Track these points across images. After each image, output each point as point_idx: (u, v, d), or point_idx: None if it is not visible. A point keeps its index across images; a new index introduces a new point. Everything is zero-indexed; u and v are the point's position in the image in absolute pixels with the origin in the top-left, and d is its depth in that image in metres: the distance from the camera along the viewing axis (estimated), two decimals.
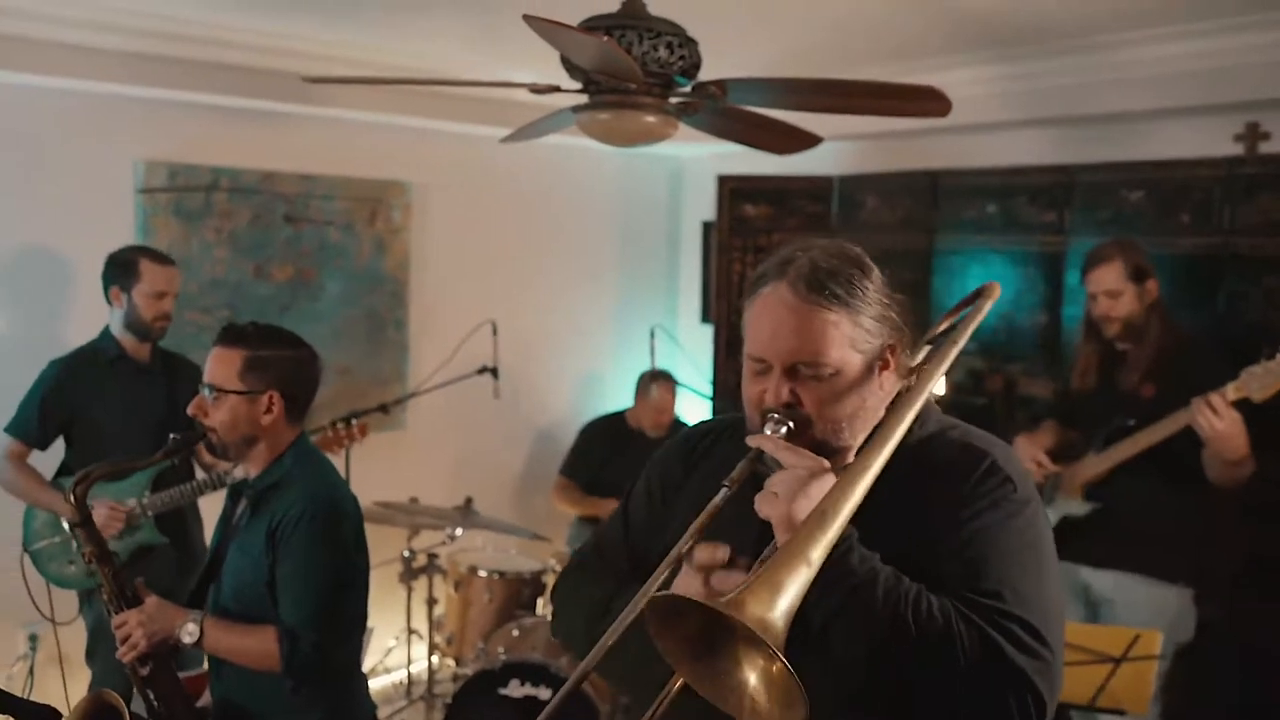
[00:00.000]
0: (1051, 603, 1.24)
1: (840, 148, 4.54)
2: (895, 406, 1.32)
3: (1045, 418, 3.40)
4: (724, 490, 1.27)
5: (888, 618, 1.17)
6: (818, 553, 1.12)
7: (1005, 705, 1.16)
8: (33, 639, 3.60)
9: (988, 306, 1.53)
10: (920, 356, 1.51)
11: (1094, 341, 3.16)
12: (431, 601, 3.99)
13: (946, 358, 1.42)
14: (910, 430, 1.32)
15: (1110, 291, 3.04)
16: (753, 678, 1.08)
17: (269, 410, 2.11)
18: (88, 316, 3.52)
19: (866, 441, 1.30)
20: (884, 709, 1.21)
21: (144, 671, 2.11)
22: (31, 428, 3.06)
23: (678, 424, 4.60)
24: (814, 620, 1.19)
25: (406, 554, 3.95)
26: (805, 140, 2.86)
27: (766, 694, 1.07)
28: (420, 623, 4.15)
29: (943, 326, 1.57)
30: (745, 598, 1.05)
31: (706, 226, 5.33)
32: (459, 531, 3.78)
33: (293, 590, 2.07)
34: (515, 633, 3.59)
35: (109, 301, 3.14)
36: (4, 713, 1.76)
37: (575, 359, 5.19)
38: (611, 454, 4.40)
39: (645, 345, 4.65)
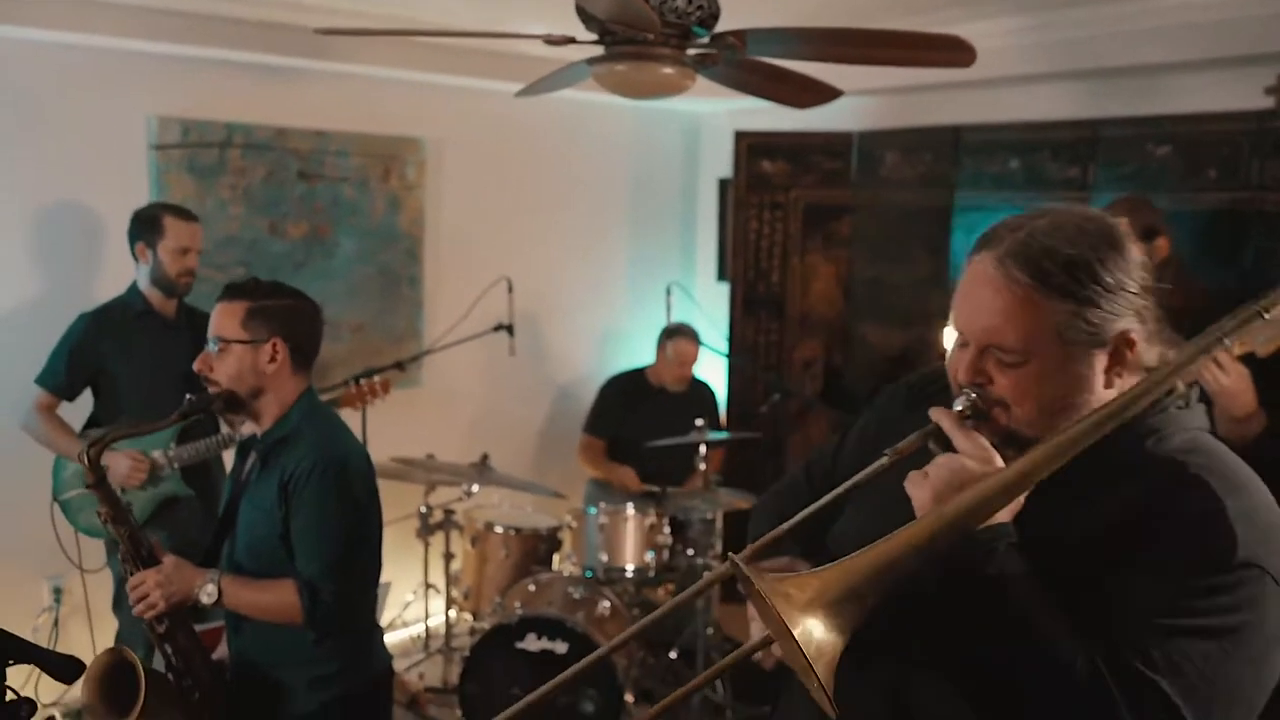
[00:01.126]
0: (1223, 689, 1.05)
1: (860, 103, 4.47)
2: (1104, 410, 1.12)
3: None
4: (882, 460, 1.18)
5: (1006, 638, 1.08)
6: (918, 562, 1.04)
7: None
8: (57, 591, 3.66)
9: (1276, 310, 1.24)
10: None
11: None
12: (448, 557, 4.02)
13: (1191, 361, 1.16)
14: (1143, 441, 1.16)
15: None
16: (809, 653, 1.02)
17: (273, 359, 2.11)
18: (107, 272, 3.54)
19: (1041, 443, 1.13)
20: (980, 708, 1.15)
21: (161, 629, 2.13)
22: (60, 379, 3.11)
23: (697, 380, 4.59)
24: (928, 592, 1.12)
25: (423, 510, 3.98)
26: (825, 93, 2.81)
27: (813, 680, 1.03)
28: (437, 577, 4.18)
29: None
30: (802, 588, 0.99)
31: (723, 183, 5.28)
32: (475, 488, 3.80)
33: (308, 544, 2.08)
34: (531, 588, 3.62)
35: (135, 257, 3.18)
36: (28, 663, 1.78)
37: (591, 316, 5.18)
38: (632, 410, 4.39)
39: (661, 303, 4.63)
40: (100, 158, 3.62)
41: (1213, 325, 1.19)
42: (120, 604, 3.23)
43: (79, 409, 3.20)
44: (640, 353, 5.15)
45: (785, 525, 1.18)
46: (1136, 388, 1.14)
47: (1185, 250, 3.21)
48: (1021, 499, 1.13)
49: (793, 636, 0.97)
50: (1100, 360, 1.16)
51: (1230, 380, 2.54)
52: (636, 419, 4.30)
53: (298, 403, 2.16)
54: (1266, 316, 1.17)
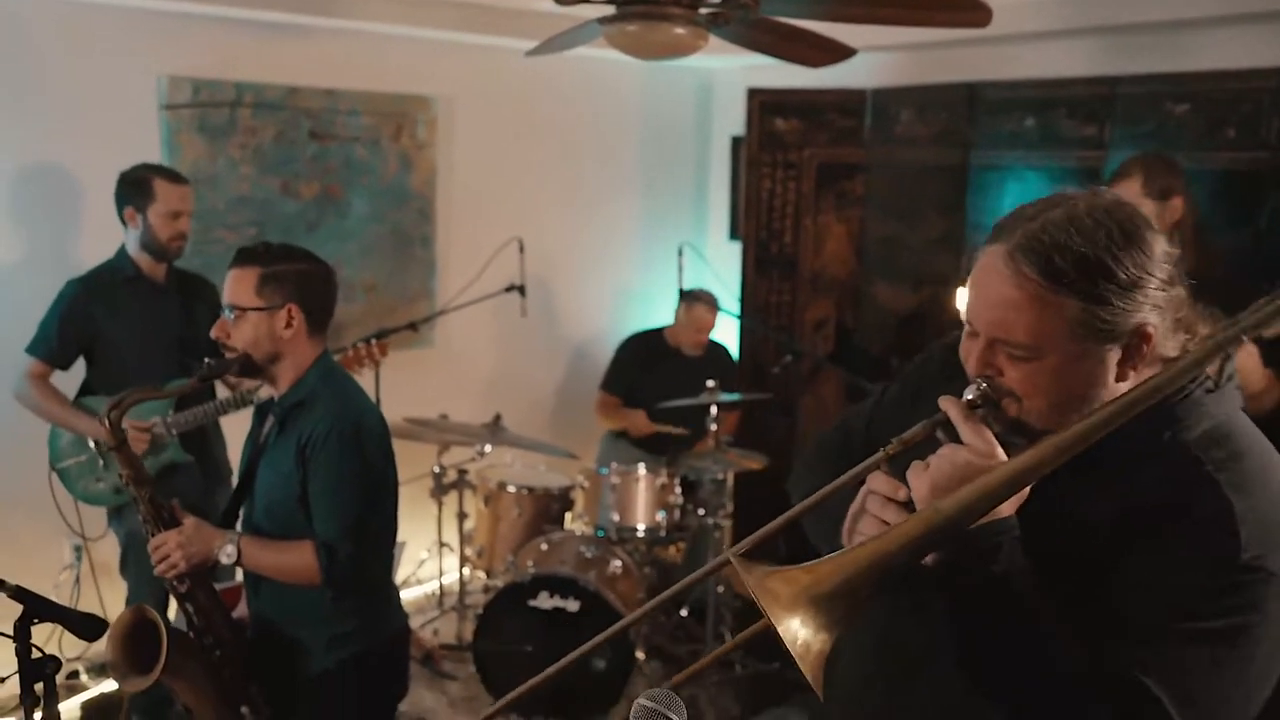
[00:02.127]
0: (1221, 699, 1.05)
1: (874, 59, 4.42)
2: (1111, 404, 1.09)
3: None
4: (883, 450, 1.17)
5: (1002, 625, 1.08)
6: (909, 558, 1.03)
7: None
8: (77, 549, 3.70)
9: None
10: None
11: None
12: (462, 516, 4.06)
13: (1203, 358, 1.10)
14: (1160, 432, 1.13)
15: None
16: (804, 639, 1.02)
17: (289, 324, 2.13)
18: (115, 235, 3.54)
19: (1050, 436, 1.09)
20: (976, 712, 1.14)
21: (182, 588, 2.17)
22: (52, 347, 3.07)
23: (714, 344, 4.59)
24: (928, 584, 1.12)
25: (437, 469, 4.01)
26: (839, 52, 2.78)
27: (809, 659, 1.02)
28: (451, 536, 4.23)
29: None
30: (792, 582, 0.99)
31: (736, 142, 5.24)
32: (488, 448, 3.82)
33: (325, 505, 2.11)
34: (544, 547, 3.66)
35: (123, 222, 3.12)
36: (52, 621, 1.81)
37: (602, 276, 5.17)
38: (648, 370, 4.40)
39: (673, 263, 4.62)
40: (111, 118, 3.62)
41: (1230, 320, 1.13)
42: (127, 566, 3.25)
43: (71, 377, 3.18)
44: (651, 312, 5.16)
45: (781, 519, 1.16)
46: (1149, 383, 1.09)
47: (1201, 210, 3.15)
48: (1026, 491, 1.11)
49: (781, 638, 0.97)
50: (1114, 355, 1.14)
51: (1237, 360, 2.50)
52: (652, 379, 4.32)
53: (314, 366, 2.18)
54: None
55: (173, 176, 3.13)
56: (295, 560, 2.12)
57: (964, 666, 1.12)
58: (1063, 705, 1.05)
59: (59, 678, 3.66)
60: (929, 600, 1.15)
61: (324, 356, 2.22)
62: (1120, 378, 1.15)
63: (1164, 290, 1.13)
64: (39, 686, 1.75)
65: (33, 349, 3.09)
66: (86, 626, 1.86)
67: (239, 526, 2.25)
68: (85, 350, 3.13)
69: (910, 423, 1.18)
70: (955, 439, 1.14)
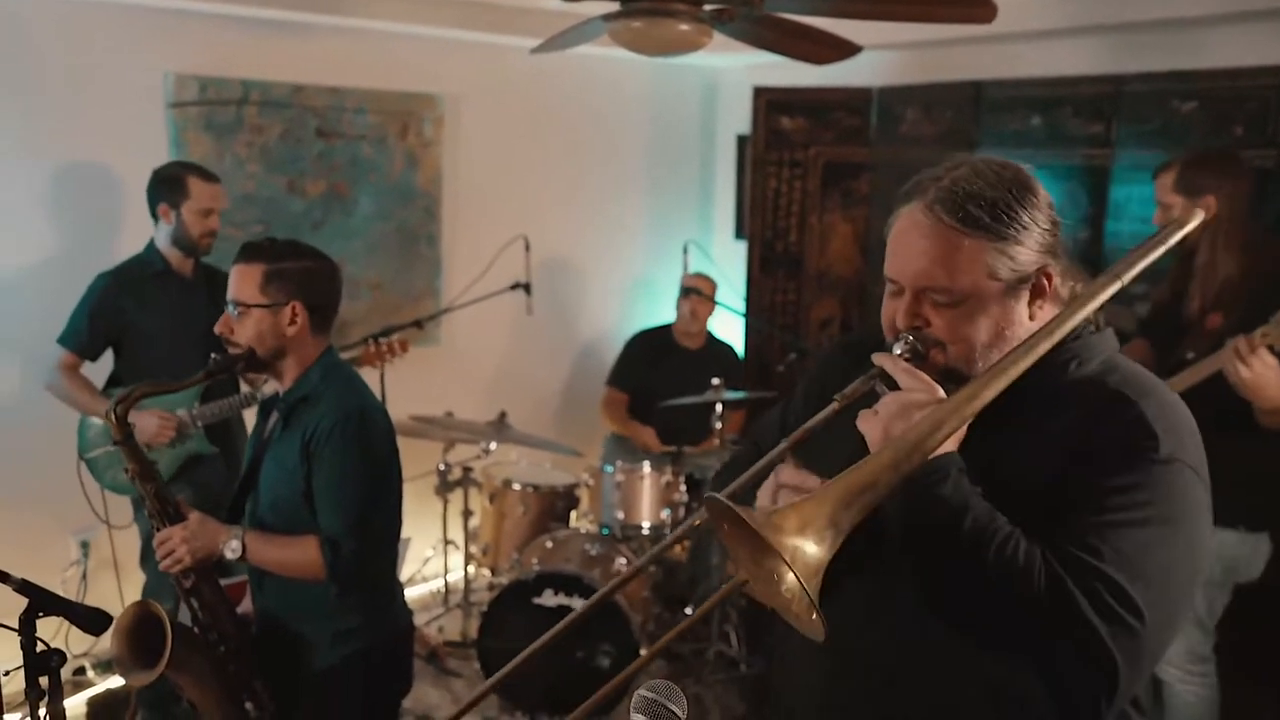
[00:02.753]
0: (1162, 571, 1.15)
1: (880, 58, 4.41)
2: (1031, 338, 1.24)
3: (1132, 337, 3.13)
4: (833, 405, 1.25)
5: (968, 553, 1.15)
6: (885, 483, 1.11)
7: (1072, 659, 1.12)
8: (84, 545, 3.73)
9: (1175, 237, 1.39)
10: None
11: (1172, 255, 2.91)
12: (467, 513, 4.07)
13: (1101, 292, 1.29)
14: (1066, 367, 1.26)
15: (1161, 202, 2.84)
16: (792, 584, 1.10)
17: (293, 321, 2.13)
18: (127, 231, 3.57)
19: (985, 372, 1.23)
20: (955, 633, 1.22)
21: (187, 583, 2.17)
22: (82, 339, 3.14)
23: (719, 341, 4.59)
24: (896, 532, 1.20)
25: (442, 467, 4.02)
26: (844, 49, 2.78)
27: (800, 604, 1.10)
28: (456, 534, 4.23)
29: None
30: (785, 520, 1.06)
31: (741, 140, 5.24)
32: (493, 446, 3.83)
33: (329, 500, 2.12)
34: (549, 544, 3.66)
35: (155, 217, 3.19)
36: (58, 615, 1.82)
37: (608, 275, 5.17)
38: (654, 365, 4.41)
39: (678, 261, 4.62)
40: (119, 116, 3.63)
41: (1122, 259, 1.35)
42: (147, 559, 3.29)
43: (101, 367, 3.24)
44: (657, 310, 5.16)
45: (757, 465, 1.25)
46: (1066, 312, 1.25)
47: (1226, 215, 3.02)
48: (963, 431, 1.21)
49: (787, 563, 1.03)
50: (1024, 295, 1.26)
51: (1252, 373, 2.39)
52: (658, 375, 4.32)
53: (318, 362, 2.19)
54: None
55: (206, 175, 3.20)
56: (299, 555, 2.12)
57: (940, 595, 1.21)
58: (1033, 605, 1.13)
59: (65, 673, 3.67)
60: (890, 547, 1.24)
61: (328, 353, 2.22)
62: (1030, 318, 1.28)
63: (1054, 236, 1.26)
64: (44, 680, 1.76)
65: (63, 340, 3.15)
66: (92, 621, 1.86)
67: (244, 522, 2.26)
68: (114, 342, 3.19)
69: (819, 437, 1.27)
70: (894, 388, 1.23)
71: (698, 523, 1.32)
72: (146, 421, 3.08)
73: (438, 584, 4.44)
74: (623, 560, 3.59)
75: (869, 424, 1.22)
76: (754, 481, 1.27)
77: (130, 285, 3.16)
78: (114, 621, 1.93)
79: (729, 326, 4.84)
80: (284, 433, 2.18)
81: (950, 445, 1.19)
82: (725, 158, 5.42)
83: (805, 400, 1.56)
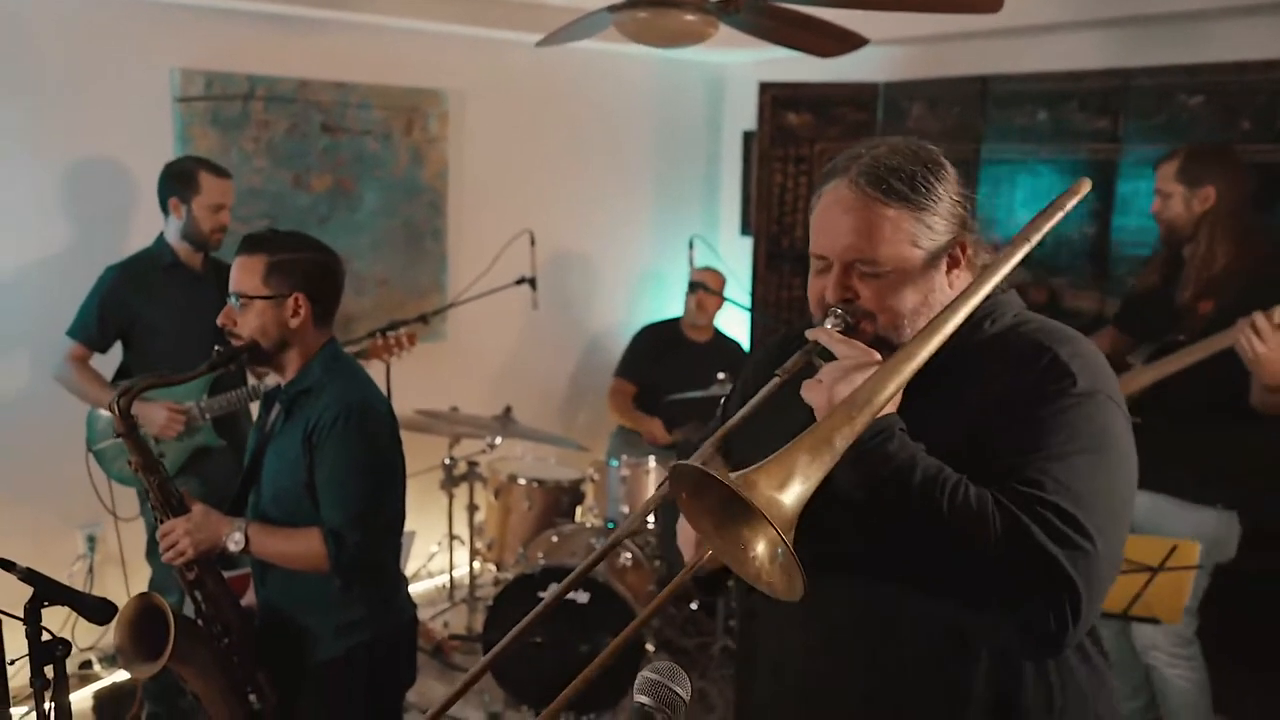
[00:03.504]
0: (1102, 495, 1.21)
1: (886, 53, 4.41)
2: (954, 301, 1.30)
3: (1097, 328, 3.29)
4: (775, 379, 1.30)
5: (921, 504, 1.18)
6: (841, 438, 1.14)
7: (1035, 589, 1.16)
8: (91, 540, 3.74)
9: (1070, 204, 1.49)
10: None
11: (1165, 243, 2.98)
12: (472, 508, 4.07)
13: (1014, 254, 1.38)
14: (981, 325, 1.34)
15: (1160, 191, 2.89)
16: (763, 549, 1.13)
17: (296, 313, 2.12)
18: (135, 225, 3.58)
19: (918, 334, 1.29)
20: (920, 584, 1.26)
21: (190, 575, 2.18)
22: (91, 331, 3.16)
23: (725, 337, 4.58)
24: (852, 497, 1.24)
25: (447, 461, 4.02)
26: (850, 41, 2.77)
27: (773, 566, 1.13)
28: (461, 529, 4.23)
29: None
30: (758, 477, 1.08)
31: (747, 137, 5.24)
32: (498, 440, 3.83)
33: (332, 492, 2.11)
34: (554, 539, 3.66)
35: (166, 211, 3.20)
36: (64, 604, 1.82)
37: (614, 270, 5.17)
38: (663, 358, 4.41)
39: (684, 256, 4.62)
40: (125, 111, 3.64)
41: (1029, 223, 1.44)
42: (153, 552, 3.30)
43: (109, 360, 3.25)
44: (663, 306, 5.15)
45: (717, 434, 1.29)
46: (987, 271, 1.33)
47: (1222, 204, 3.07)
48: (899, 398, 1.25)
49: (766, 518, 1.05)
50: (942, 264, 1.34)
51: (1266, 349, 2.44)
52: (664, 368, 4.31)
53: (319, 354, 2.18)
54: None
55: (217, 170, 3.22)
56: (303, 547, 2.12)
57: (903, 553, 1.25)
58: (994, 548, 1.16)
59: (71, 667, 3.68)
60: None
61: (330, 344, 2.22)
62: (950, 285, 1.36)
63: (965, 209, 1.35)
64: (49, 670, 1.76)
65: (72, 332, 3.17)
66: (97, 610, 1.86)
67: (247, 514, 2.26)
68: (123, 335, 3.21)
69: (762, 418, 1.31)
70: (831, 359, 1.29)
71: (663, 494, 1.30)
72: (155, 414, 3.09)
73: (443, 580, 4.44)
74: (628, 554, 3.59)
75: (813, 392, 1.26)
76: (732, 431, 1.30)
77: (139, 278, 3.17)
78: (117, 613, 1.93)
79: (735, 322, 4.84)
80: (285, 425, 2.18)
81: (890, 409, 1.24)
82: (731, 154, 5.42)
83: (742, 396, 1.59)
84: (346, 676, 2.20)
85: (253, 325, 2.12)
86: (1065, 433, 1.22)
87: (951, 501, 1.18)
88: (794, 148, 4.71)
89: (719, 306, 4.46)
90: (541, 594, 3.37)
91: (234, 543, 2.13)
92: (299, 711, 2.26)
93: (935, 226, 1.31)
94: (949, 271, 1.35)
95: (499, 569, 4.00)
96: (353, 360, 2.31)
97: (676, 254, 4.94)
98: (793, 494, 1.08)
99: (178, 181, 3.17)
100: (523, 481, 3.91)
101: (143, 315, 3.17)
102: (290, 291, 2.12)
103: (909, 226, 1.30)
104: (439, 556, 4.46)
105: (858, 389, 1.19)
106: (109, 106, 3.60)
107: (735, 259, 5.10)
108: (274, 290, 2.11)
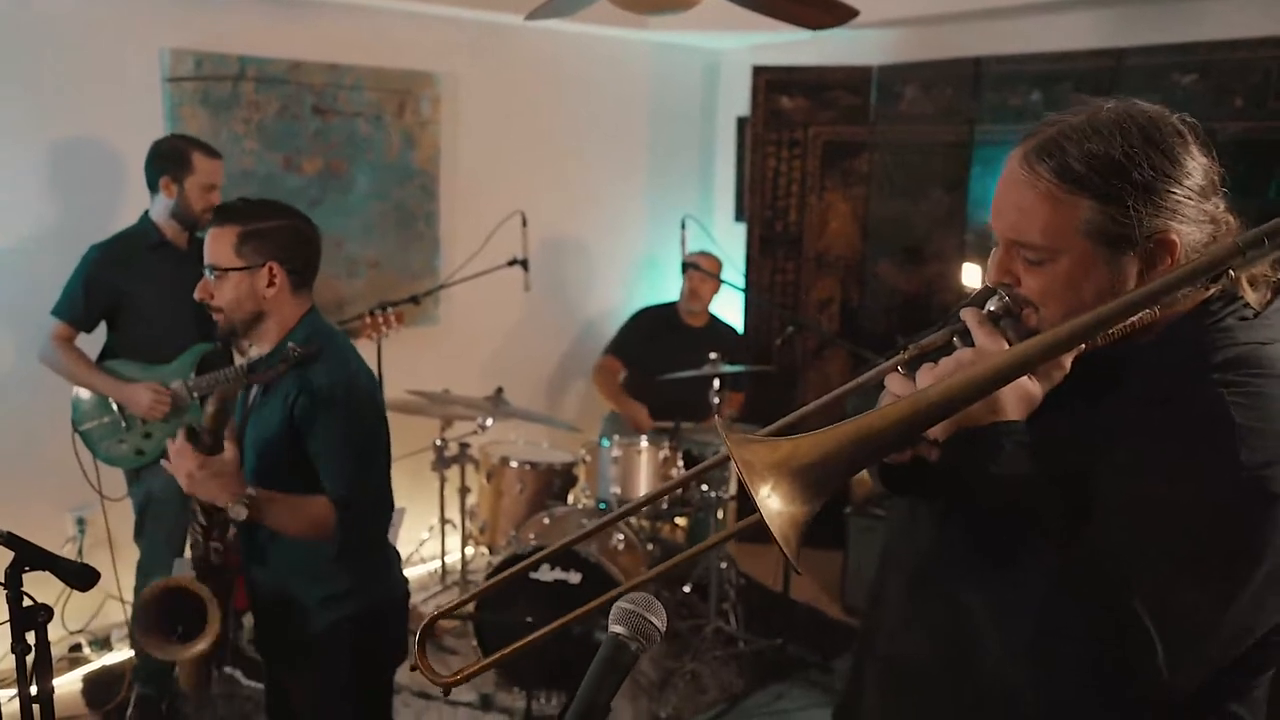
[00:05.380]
0: (1202, 623, 1.01)
1: (879, 35, 4.40)
2: (1113, 302, 1.06)
3: None
4: (904, 353, 1.17)
5: (1004, 532, 1.07)
6: (895, 433, 1.00)
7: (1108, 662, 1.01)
8: (80, 522, 3.72)
9: None
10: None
11: None
12: (464, 490, 4.06)
13: (1224, 256, 1.05)
14: (1186, 357, 1.10)
15: None
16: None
17: (271, 283, 2.10)
18: (123, 205, 3.55)
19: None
20: (992, 584, 1.12)
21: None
22: (76, 310, 3.12)
23: (720, 322, 4.56)
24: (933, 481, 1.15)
25: (438, 443, 4.01)
26: (840, 12, 2.75)
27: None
28: (453, 512, 4.22)
29: None
30: (769, 465, 0.95)
31: (741, 122, 5.22)
32: (489, 421, 3.81)
33: (329, 463, 2.08)
34: (546, 521, 3.64)
35: (155, 190, 3.17)
36: (45, 569, 1.80)
37: (607, 256, 5.16)
38: (656, 340, 4.40)
39: (678, 242, 4.60)
40: (114, 91, 3.62)
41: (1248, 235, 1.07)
42: (142, 532, 3.28)
43: (94, 340, 3.23)
44: (656, 292, 5.15)
45: (811, 406, 1.15)
46: (1157, 281, 1.05)
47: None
48: (1038, 397, 1.10)
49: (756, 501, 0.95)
50: (1132, 264, 1.11)
51: None
52: (657, 351, 4.30)
53: (300, 324, 2.16)
54: None
55: (209, 150, 3.20)
56: (311, 512, 2.07)
57: (960, 567, 1.13)
58: (1048, 609, 1.03)
59: (62, 650, 3.67)
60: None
61: (311, 314, 2.18)
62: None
63: (1190, 200, 1.10)
64: (31, 637, 1.74)
65: (57, 311, 3.14)
66: (79, 575, 1.84)
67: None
68: (108, 314, 3.18)
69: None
70: (971, 346, 1.13)
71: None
72: (140, 395, 3.07)
73: (435, 565, 4.42)
74: (620, 535, 3.57)
75: (925, 376, 1.11)
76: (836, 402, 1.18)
77: (124, 257, 3.14)
78: (98, 580, 1.90)
79: (730, 306, 4.82)
80: (265, 397, 2.15)
81: (1014, 413, 1.09)
82: (725, 141, 5.40)
83: None
84: (333, 648, 2.18)
85: (228, 297, 2.10)
86: (1194, 531, 1.01)
87: (1028, 550, 1.04)
88: (788, 131, 4.69)
89: (716, 291, 4.44)
90: (533, 574, 3.35)
91: (235, 514, 2.05)
92: (288, 684, 2.25)
93: (1121, 217, 1.08)
94: (1146, 272, 1.11)
95: (491, 552, 3.99)
96: (333, 328, 2.28)
97: (670, 240, 4.92)
98: (801, 484, 0.95)
99: (170, 161, 3.14)
100: (515, 464, 3.89)
101: (128, 294, 3.14)
102: (264, 261, 2.09)
103: (1082, 213, 1.09)
104: (431, 542, 4.44)
105: (945, 385, 1.02)
106: (98, 86, 3.58)
107: (729, 245, 5.08)
108: (247, 261, 2.08)
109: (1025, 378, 1.07)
